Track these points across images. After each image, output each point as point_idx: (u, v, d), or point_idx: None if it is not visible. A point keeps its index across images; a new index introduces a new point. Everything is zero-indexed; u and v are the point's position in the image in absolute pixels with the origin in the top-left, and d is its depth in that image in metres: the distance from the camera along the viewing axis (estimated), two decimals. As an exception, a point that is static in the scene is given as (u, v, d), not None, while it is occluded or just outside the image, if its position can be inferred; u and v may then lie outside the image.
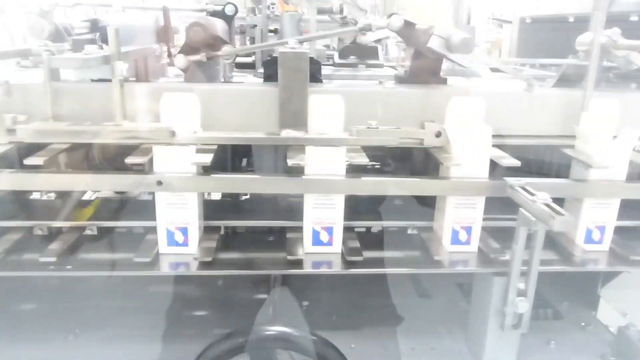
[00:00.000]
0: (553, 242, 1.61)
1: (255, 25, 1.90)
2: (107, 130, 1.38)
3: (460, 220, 1.54)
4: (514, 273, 1.35)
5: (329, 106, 1.43)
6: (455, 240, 1.56)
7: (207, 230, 1.58)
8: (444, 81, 1.64)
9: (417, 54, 1.62)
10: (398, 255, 1.58)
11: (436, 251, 1.54)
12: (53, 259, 1.43)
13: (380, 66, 2.06)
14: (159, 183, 1.37)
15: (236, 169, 1.80)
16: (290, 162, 1.39)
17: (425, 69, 1.61)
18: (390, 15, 1.52)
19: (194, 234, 1.49)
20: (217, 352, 1.30)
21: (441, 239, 1.57)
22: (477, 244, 1.57)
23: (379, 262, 1.53)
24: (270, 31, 2.13)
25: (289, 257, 1.48)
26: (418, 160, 1.70)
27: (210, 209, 1.61)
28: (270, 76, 1.59)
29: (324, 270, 1.52)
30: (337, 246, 1.54)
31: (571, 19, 1.75)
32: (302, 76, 1.40)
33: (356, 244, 1.56)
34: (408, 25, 1.52)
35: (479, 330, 1.56)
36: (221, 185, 1.50)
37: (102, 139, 1.38)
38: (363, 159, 1.41)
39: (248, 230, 1.67)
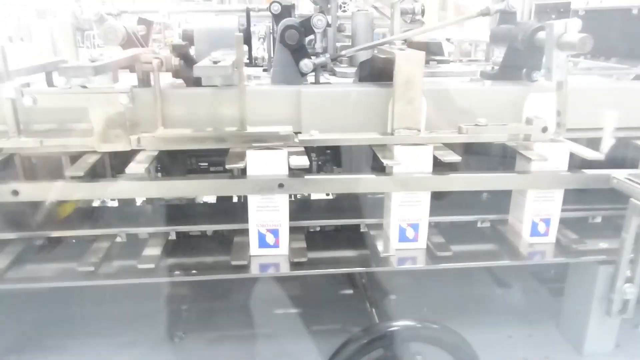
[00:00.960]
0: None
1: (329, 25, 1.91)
2: (232, 134, 1.43)
3: (539, 213, 1.60)
4: (623, 261, 1.40)
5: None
6: (534, 232, 1.61)
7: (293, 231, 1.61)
8: (531, 77, 1.69)
9: (509, 51, 1.66)
10: (483, 249, 1.63)
11: (518, 243, 1.59)
12: (151, 266, 1.47)
13: (447, 62, 2.08)
14: (281, 185, 1.42)
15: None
16: (386, 162, 1.44)
17: (515, 66, 1.66)
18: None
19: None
20: (353, 349, 1.34)
21: (520, 231, 1.63)
22: (555, 235, 1.62)
23: (467, 256, 1.58)
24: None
25: (382, 255, 1.52)
26: (490, 155, 1.75)
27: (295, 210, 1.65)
28: (365, 77, 1.64)
29: (410, 266, 1.57)
30: (423, 242, 1.59)
31: (635, 11, 1.79)
32: (418, 76, 1.44)
33: (441, 239, 1.61)
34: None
35: (578, 317, 1.63)
36: (326, 186, 1.56)
37: (227, 144, 1.43)
38: (453, 157, 1.46)
39: (331, 229, 1.71)
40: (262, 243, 1.53)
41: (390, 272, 1.90)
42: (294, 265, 1.50)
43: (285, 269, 1.51)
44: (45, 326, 1.77)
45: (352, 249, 1.61)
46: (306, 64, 1.61)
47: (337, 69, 1.97)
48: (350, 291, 2.04)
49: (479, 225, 1.75)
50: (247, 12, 1.96)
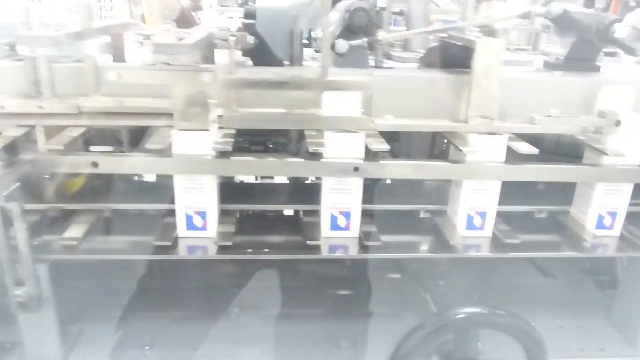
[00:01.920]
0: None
1: (384, 8, 1.90)
2: (311, 116, 1.44)
3: (606, 206, 1.60)
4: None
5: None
6: (600, 225, 1.62)
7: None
8: (597, 69, 1.68)
9: (578, 42, 1.65)
10: (546, 239, 1.65)
11: (582, 235, 1.61)
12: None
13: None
14: (356, 169, 1.43)
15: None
16: (465, 149, 1.44)
17: (583, 57, 1.65)
18: (547, 3, 1.56)
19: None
20: (421, 336, 1.36)
21: (585, 223, 1.63)
22: (620, 229, 1.63)
23: (533, 246, 1.59)
24: (394, 13, 2.14)
25: (451, 242, 1.53)
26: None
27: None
28: (433, 63, 1.63)
29: (477, 254, 1.58)
30: (489, 230, 1.60)
31: None
32: (497, 65, 1.44)
33: (506, 227, 1.62)
34: (566, 12, 1.56)
35: (634, 312, 1.64)
36: (400, 171, 1.54)
37: (302, 126, 1.45)
38: (529, 148, 1.46)
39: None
40: (334, 225, 1.54)
41: (440, 259, 1.91)
42: (365, 249, 1.51)
43: (354, 251, 1.53)
44: (107, 298, 1.79)
45: (420, 235, 1.63)
46: (341, 43, 1.60)
47: (393, 54, 1.96)
48: (399, 276, 2.06)
49: (536, 216, 1.77)
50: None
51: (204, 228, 1.52)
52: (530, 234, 1.64)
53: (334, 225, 1.55)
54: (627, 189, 1.58)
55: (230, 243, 1.47)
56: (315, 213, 1.61)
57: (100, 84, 1.40)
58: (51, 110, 1.38)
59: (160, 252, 1.46)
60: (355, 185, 1.51)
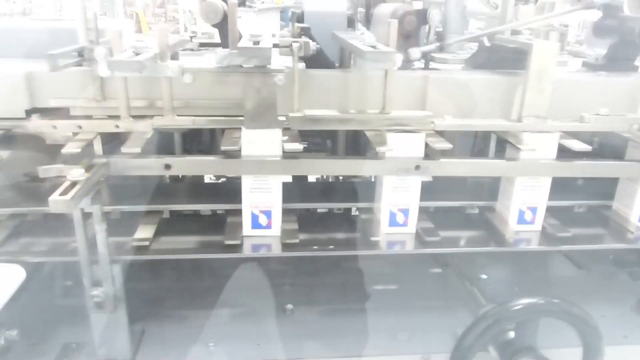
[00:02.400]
0: None
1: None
2: (375, 117, 1.48)
3: (651, 200, 1.68)
4: None
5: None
6: (644, 218, 1.70)
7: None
8: (636, 69, 1.76)
9: (620, 43, 1.72)
10: (594, 232, 1.72)
11: (628, 228, 1.68)
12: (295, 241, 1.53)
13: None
14: (417, 167, 1.48)
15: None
16: (522, 147, 1.50)
17: (623, 57, 1.72)
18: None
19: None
20: (485, 325, 1.43)
21: (629, 217, 1.71)
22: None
23: (583, 239, 1.67)
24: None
25: (507, 237, 1.60)
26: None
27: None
28: (482, 64, 1.70)
29: (529, 247, 1.65)
30: (539, 224, 1.67)
31: None
32: (551, 67, 1.50)
33: (557, 221, 1.69)
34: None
35: None
36: (459, 169, 1.60)
37: (367, 126, 1.49)
38: (579, 144, 1.52)
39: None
40: (393, 222, 1.60)
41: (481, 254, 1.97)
42: (424, 244, 1.57)
43: (410, 247, 1.59)
44: (170, 296, 1.83)
45: (473, 230, 1.69)
46: (415, 51, 1.67)
47: (435, 55, 2.02)
48: (439, 270, 2.12)
49: (575, 210, 1.85)
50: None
51: (268, 227, 1.56)
52: (576, 228, 1.70)
53: (393, 222, 1.61)
54: (671, 182, 1.66)
55: (297, 240, 1.52)
56: (369, 210, 1.68)
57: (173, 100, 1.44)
58: (126, 129, 1.43)
59: (228, 250, 1.50)
60: (414, 184, 1.57)
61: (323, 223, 1.69)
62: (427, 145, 1.50)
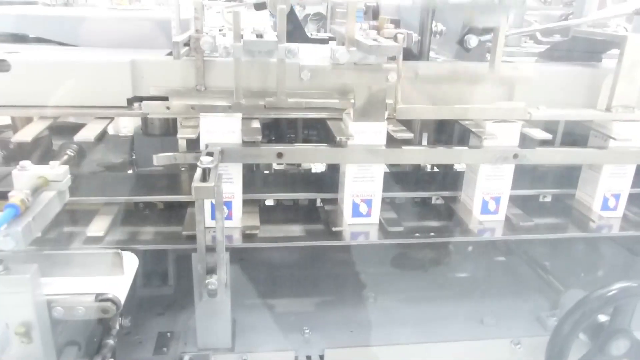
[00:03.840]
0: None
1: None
2: (475, 109, 1.53)
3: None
4: None
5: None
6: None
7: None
8: None
9: None
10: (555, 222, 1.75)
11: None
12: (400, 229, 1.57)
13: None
14: (515, 156, 1.53)
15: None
16: (616, 136, 1.57)
17: None
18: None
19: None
20: (587, 307, 1.49)
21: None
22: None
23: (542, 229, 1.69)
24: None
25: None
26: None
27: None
28: (561, 56, 1.75)
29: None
30: (620, 211, 1.74)
31: None
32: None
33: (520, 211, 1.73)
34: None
35: None
36: (555, 157, 1.65)
37: (467, 116, 1.52)
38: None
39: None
40: (485, 210, 1.65)
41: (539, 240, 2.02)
42: (514, 230, 1.63)
43: (499, 234, 1.64)
44: (264, 284, 1.86)
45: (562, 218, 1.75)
46: (472, 38, 1.70)
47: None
48: (503, 258, 2.18)
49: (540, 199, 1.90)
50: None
51: (368, 215, 1.59)
52: (540, 217, 1.71)
53: (485, 210, 1.65)
54: None
55: (401, 229, 1.56)
56: (454, 199, 1.73)
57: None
58: (240, 110, 1.44)
59: (332, 238, 1.53)
60: (507, 172, 1.61)
61: (415, 212, 1.73)
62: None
